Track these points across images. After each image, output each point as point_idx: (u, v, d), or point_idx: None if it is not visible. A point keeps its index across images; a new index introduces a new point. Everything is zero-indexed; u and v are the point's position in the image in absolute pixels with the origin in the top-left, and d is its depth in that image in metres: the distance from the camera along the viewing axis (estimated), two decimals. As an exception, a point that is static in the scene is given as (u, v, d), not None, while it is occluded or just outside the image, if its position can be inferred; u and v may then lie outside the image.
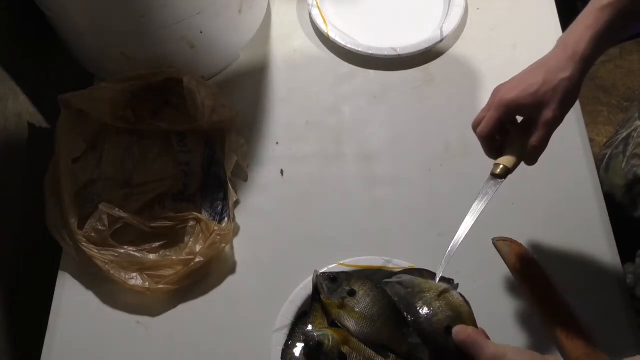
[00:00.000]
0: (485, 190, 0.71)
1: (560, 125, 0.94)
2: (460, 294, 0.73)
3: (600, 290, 0.81)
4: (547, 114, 0.68)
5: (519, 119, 0.73)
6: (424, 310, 0.71)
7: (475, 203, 0.72)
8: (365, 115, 0.98)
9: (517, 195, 0.89)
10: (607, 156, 0.97)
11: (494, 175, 0.71)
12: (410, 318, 0.71)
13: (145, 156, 0.93)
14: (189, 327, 0.82)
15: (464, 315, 0.71)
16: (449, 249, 0.72)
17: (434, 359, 0.70)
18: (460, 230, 0.72)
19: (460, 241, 0.72)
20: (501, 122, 0.70)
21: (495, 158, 0.72)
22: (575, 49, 0.67)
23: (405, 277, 0.77)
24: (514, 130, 0.73)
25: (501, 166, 0.70)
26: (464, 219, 0.72)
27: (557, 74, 0.67)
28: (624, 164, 0.92)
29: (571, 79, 0.67)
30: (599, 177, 0.91)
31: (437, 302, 0.72)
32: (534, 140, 0.68)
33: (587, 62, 0.68)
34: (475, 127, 0.73)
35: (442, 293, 0.72)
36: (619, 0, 0.66)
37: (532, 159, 0.71)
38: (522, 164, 0.72)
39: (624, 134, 0.95)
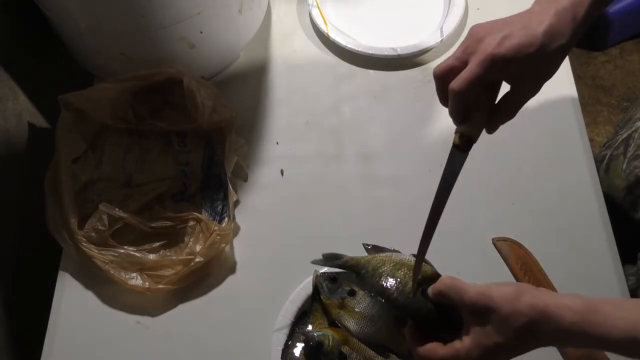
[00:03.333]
0: (451, 168, 0.63)
1: (560, 125, 0.95)
2: (414, 255, 0.67)
3: (601, 292, 0.81)
4: (530, 83, 0.61)
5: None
6: (391, 285, 0.65)
7: (441, 185, 0.64)
8: (365, 115, 0.98)
9: (517, 195, 0.89)
10: (607, 157, 0.96)
11: (459, 147, 0.62)
12: (386, 301, 0.65)
13: (145, 156, 0.93)
14: (189, 327, 0.82)
15: (429, 274, 0.66)
16: (420, 245, 0.65)
17: (421, 330, 0.63)
18: (428, 223, 0.64)
19: (429, 236, 0.64)
20: (481, 82, 0.60)
21: (459, 123, 0.63)
22: (574, 13, 0.59)
23: (347, 259, 0.72)
24: (481, 93, 0.63)
25: (464, 137, 0.62)
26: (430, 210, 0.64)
27: (555, 39, 0.59)
28: (624, 165, 0.92)
29: (568, 46, 0.60)
30: (599, 177, 0.91)
31: (399, 272, 0.66)
32: (508, 107, 0.62)
33: (582, 25, 0.60)
34: (440, 75, 0.63)
35: (397, 263, 0.67)
36: None
37: (495, 127, 0.63)
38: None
39: (624, 135, 0.95)
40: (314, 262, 0.75)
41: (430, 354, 0.58)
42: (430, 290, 0.61)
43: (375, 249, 0.73)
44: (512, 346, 0.54)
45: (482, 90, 0.62)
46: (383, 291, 0.64)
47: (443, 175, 0.63)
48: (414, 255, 0.68)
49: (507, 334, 0.53)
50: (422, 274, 0.65)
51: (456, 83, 0.60)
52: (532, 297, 0.53)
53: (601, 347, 0.52)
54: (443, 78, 0.63)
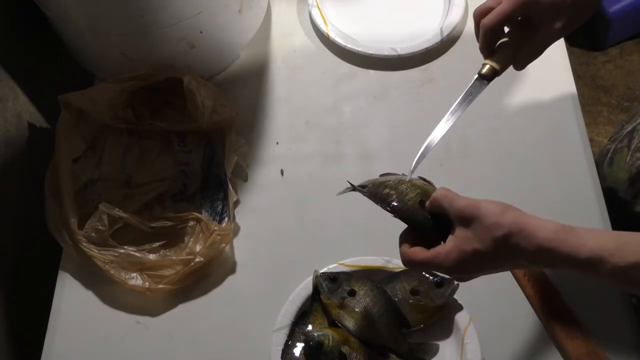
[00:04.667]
0: (469, 91, 0.69)
1: (560, 125, 0.94)
2: (421, 177, 0.70)
3: (600, 291, 0.81)
4: (558, 24, 0.66)
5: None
6: (394, 194, 0.67)
7: (457, 103, 0.70)
8: (365, 115, 0.98)
9: (517, 196, 0.88)
10: (611, 150, 0.96)
11: (481, 76, 0.69)
12: (386, 207, 0.66)
13: (145, 156, 0.93)
14: (189, 327, 0.82)
15: (430, 191, 0.67)
16: (423, 147, 0.68)
17: (417, 237, 0.65)
18: (437, 130, 0.69)
19: (435, 142, 0.69)
20: (510, 19, 0.68)
21: (487, 56, 0.71)
22: None
23: (362, 183, 0.72)
24: (510, 29, 0.70)
25: (488, 66, 0.69)
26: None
27: None
28: (628, 157, 0.91)
29: None
30: (603, 171, 0.90)
31: (402, 185, 0.68)
32: (533, 44, 0.68)
33: None
34: (478, 15, 0.70)
35: (401, 179, 0.69)
36: None
37: (522, 63, 0.69)
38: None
39: (629, 128, 0.94)
40: (340, 193, 0.74)
41: (412, 256, 0.60)
42: (428, 202, 0.64)
43: (386, 175, 0.74)
44: (487, 254, 0.57)
45: (511, 27, 0.69)
46: (384, 198, 0.65)
47: (461, 98, 0.69)
48: (421, 178, 0.70)
49: (485, 242, 0.56)
50: (425, 192, 0.66)
51: (487, 19, 0.68)
52: (515, 214, 0.58)
53: (570, 265, 0.55)
54: (481, 17, 0.70)
